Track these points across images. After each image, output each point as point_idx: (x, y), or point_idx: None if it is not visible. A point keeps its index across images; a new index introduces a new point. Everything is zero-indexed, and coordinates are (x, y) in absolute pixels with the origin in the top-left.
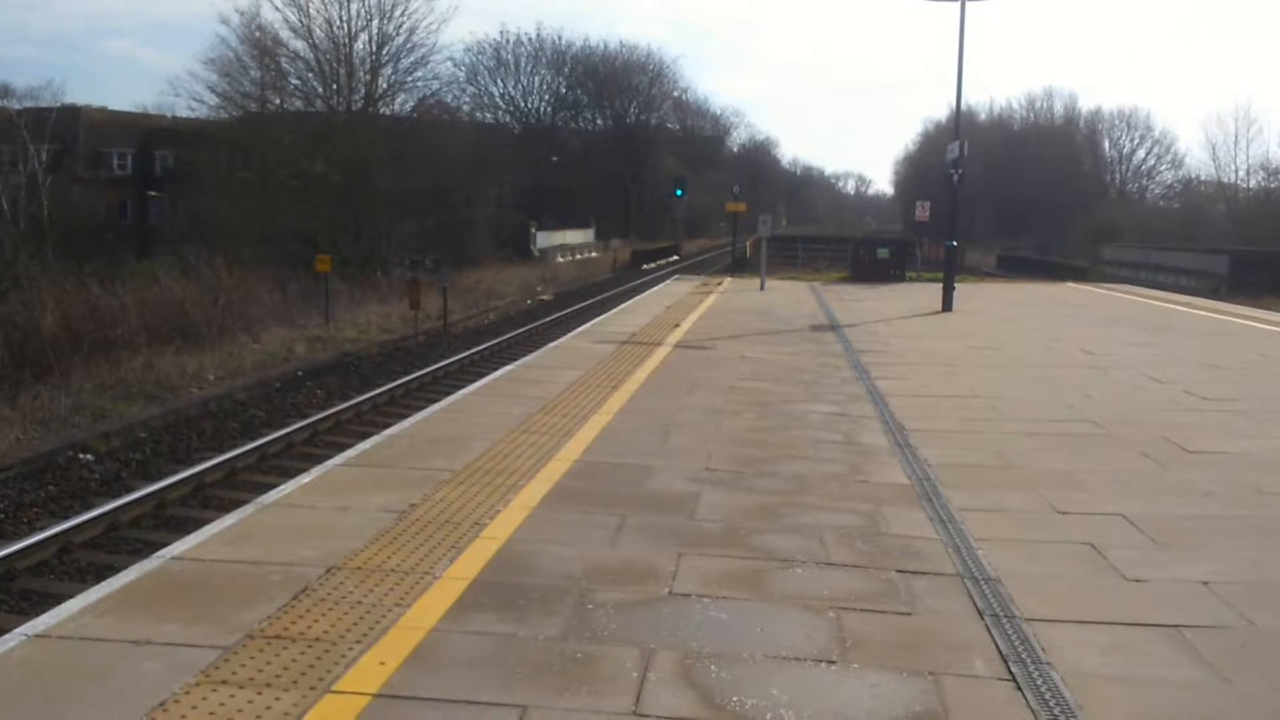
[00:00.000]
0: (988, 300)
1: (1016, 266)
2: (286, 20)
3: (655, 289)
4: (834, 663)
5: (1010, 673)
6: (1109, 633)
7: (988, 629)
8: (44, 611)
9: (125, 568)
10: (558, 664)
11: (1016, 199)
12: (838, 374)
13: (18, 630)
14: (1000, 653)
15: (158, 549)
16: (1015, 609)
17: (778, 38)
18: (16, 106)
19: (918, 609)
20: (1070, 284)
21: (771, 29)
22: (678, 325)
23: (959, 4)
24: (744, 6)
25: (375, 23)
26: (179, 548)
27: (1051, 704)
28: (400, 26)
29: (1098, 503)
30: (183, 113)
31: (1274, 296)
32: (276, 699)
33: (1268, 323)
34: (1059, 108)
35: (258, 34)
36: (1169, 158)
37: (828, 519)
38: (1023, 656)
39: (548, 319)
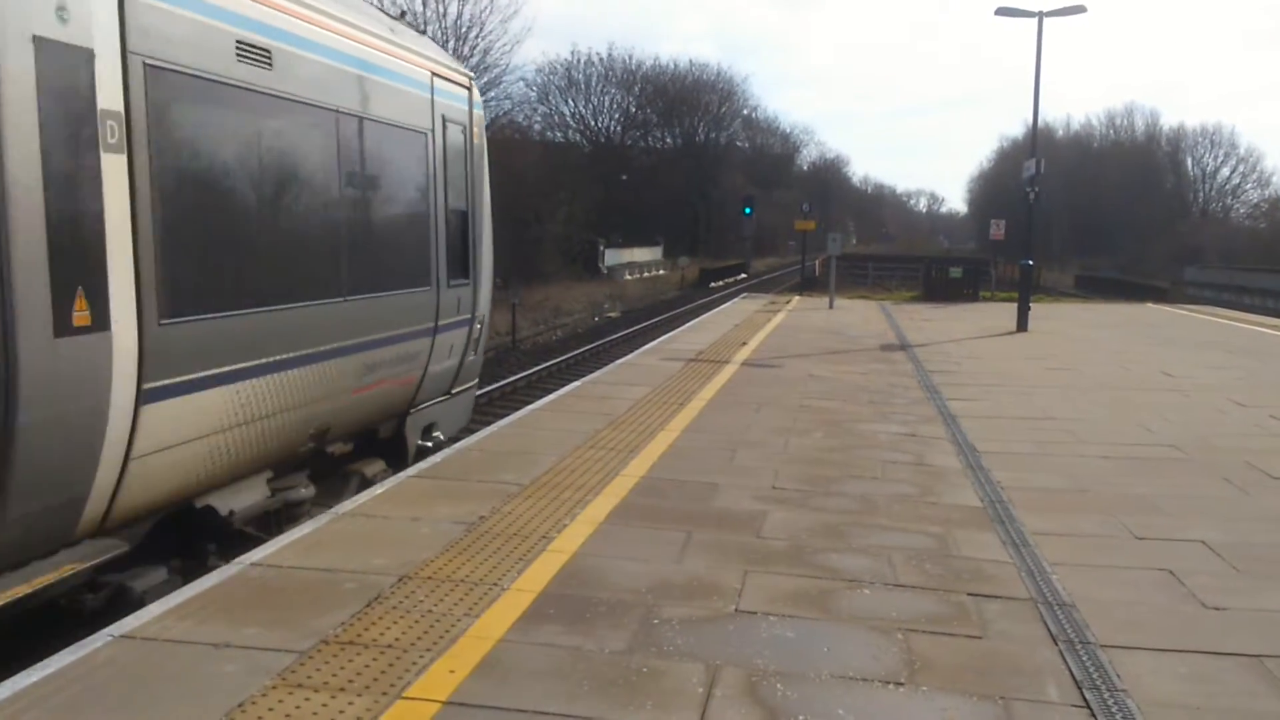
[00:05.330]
0: (1064, 321)
1: (1095, 286)
2: None
3: (723, 307)
4: (902, 684)
5: (1084, 699)
6: (1187, 661)
7: (1061, 655)
8: (128, 614)
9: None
10: (623, 678)
11: (1095, 218)
12: (908, 394)
13: (104, 630)
14: (1074, 679)
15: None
16: (1090, 635)
17: (839, 54)
18: None
19: (989, 633)
20: (1150, 305)
21: (830, 46)
22: (745, 343)
23: (1036, 20)
24: (793, 24)
25: (451, 44)
26: (257, 554)
27: None
28: (475, 48)
29: (1177, 528)
30: None
31: None
32: (350, 703)
33: None
34: (1140, 124)
35: None
36: (1255, 176)
37: (897, 540)
38: (1098, 683)
39: (615, 336)
